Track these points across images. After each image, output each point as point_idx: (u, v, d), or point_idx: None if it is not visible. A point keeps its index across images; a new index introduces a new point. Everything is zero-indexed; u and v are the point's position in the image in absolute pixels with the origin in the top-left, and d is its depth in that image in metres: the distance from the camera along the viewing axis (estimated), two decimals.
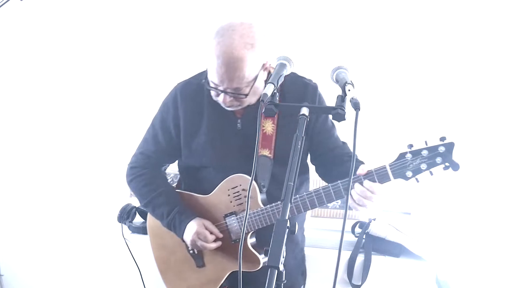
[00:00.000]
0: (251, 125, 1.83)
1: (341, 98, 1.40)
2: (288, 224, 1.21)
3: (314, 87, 1.89)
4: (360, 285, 2.51)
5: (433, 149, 1.59)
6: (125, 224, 2.77)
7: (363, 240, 2.62)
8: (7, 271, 3.44)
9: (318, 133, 1.89)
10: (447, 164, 1.58)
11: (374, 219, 2.70)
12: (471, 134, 2.78)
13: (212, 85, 1.72)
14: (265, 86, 1.79)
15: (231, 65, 1.63)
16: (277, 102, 1.42)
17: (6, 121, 3.33)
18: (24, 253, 3.38)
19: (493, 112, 2.77)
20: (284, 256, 1.18)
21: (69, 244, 3.30)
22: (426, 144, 1.59)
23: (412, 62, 2.87)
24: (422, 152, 1.59)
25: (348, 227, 2.72)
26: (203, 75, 1.87)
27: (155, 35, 3.09)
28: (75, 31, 3.16)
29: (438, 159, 1.58)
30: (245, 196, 1.84)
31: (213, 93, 1.76)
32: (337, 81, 1.46)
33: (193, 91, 1.90)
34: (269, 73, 1.81)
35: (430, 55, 2.85)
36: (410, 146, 1.61)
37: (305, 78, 1.91)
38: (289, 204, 1.25)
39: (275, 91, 1.42)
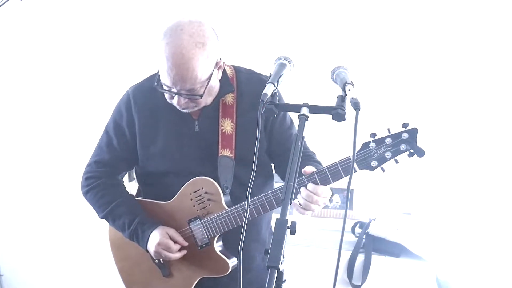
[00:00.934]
0: (209, 127, 1.79)
1: (341, 98, 1.39)
2: (289, 224, 1.21)
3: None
4: (360, 285, 2.51)
5: (396, 136, 1.56)
6: None
7: (363, 240, 2.62)
8: (7, 271, 3.44)
9: (276, 132, 1.83)
10: (411, 151, 1.56)
11: (374, 219, 2.70)
12: (471, 134, 2.78)
13: (165, 87, 1.65)
14: (220, 85, 1.76)
15: (182, 66, 1.58)
16: (277, 102, 1.41)
17: (6, 121, 3.33)
18: (24, 253, 3.38)
19: (493, 114, 2.78)
20: (284, 257, 1.18)
21: (69, 244, 3.30)
22: (389, 132, 1.57)
23: (412, 62, 2.88)
24: (385, 140, 1.57)
25: (348, 227, 2.72)
26: (156, 77, 1.77)
27: (153, 36, 3.09)
28: (75, 31, 3.17)
29: (403, 146, 1.56)
30: (209, 199, 1.78)
31: (167, 95, 1.70)
32: (337, 81, 1.46)
33: (147, 94, 1.81)
34: (224, 71, 1.77)
35: (430, 55, 2.85)
36: (373, 135, 1.58)
37: (261, 74, 1.83)
38: (289, 204, 1.24)
39: (275, 91, 1.41)
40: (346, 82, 1.41)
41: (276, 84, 1.41)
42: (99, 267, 3.23)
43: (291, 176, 1.26)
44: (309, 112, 1.38)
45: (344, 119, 1.37)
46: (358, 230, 2.71)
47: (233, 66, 1.86)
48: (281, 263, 1.15)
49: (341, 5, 2.92)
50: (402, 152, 1.57)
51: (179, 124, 1.80)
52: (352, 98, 1.38)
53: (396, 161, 1.59)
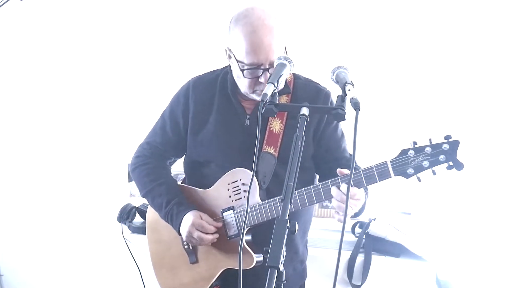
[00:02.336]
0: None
1: (341, 98, 1.39)
2: (288, 224, 1.21)
3: (327, 94, 1.88)
4: (360, 285, 2.51)
5: (436, 147, 1.55)
6: (125, 224, 2.77)
7: (363, 240, 2.62)
8: (7, 271, 3.44)
9: (326, 140, 1.87)
10: (450, 163, 1.55)
11: (374, 219, 2.70)
12: (471, 133, 2.78)
13: (251, 68, 1.69)
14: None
15: (268, 35, 1.65)
16: (277, 102, 1.42)
17: (6, 121, 3.33)
18: (24, 253, 3.38)
19: (493, 111, 2.77)
20: (284, 256, 1.18)
21: (69, 244, 3.30)
22: (430, 142, 1.57)
23: (412, 62, 2.87)
24: (425, 149, 1.56)
25: (348, 227, 2.72)
26: (216, 72, 1.91)
27: (153, 36, 3.10)
28: (75, 31, 3.17)
29: (442, 157, 1.55)
30: (245, 191, 1.82)
31: (247, 84, 1.73)
32: (337, 81, 1.46)
33: (206, 85, 1.91)
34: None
35: (429, 55, 2.85)
36: (414, 143, 1.58)
37: (319, 84, 1.91)
38: (289, 204, 1.24)
39: (275, 91, 1.42)
40: (346, 82, 1.41)
41: (276, 84, 1.42)
42: (99, 267, 3.23)
43: (291, 176, 1.27)
44: (309, 112, 1.38)
45: (344, 119, 1.38)
46: (358, 230, 2.71)
47: (292, 73, 1.91)
48: (281, 263, 1.15)
49: (341, 5, 2.91)
50: (440, 163, 1.56)
51: (231, 116, 1.87)
52: (352, 98, 1.38)
53: (434, 173, 1.58)
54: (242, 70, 1.71)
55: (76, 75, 3.21)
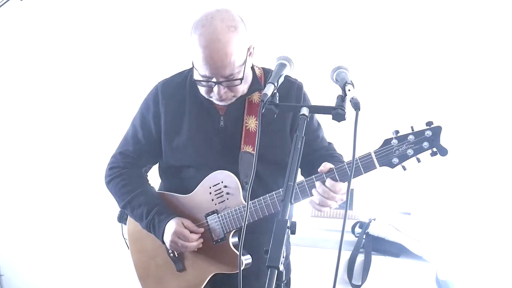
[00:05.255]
0: (234, 123, 1.81)
1: (341, 98, 1.39)
2: (289, 224, 1.21)
3: (300, 86, 1.84)
4: (360, 285, 2.51)
5: (419, 134, 1.54)
6: (125, 224, 2.75)
7: (363, 240, 2.62)
8: (7, 271, 3.44)
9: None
10: (434, 149, 1.54)
11: (374, 219, 2.70)
12: (471, 134, 2.78)
13: (203, 79, 1.66)
14: (252, 73, 1.79)
15: (220, 51, 1.59)
16: (277, 102, 1.42)
17: (7, 121, 3.33)
18: (24, 253, 3.38)
19: (493, 114, 2.77)
20: (285, 256, 1.18)
21: (69, 244, 3.30)
22: (412, 129, 1.55)
23: (412, 61, 2.88)
24: (408, 137, 1.55)
25: (348, 227, 2.72)
26: (184, 73, 1.86)
27: (151, 36, 3.10)
28: (75, 31, 3.17)
29: (425, 144, 1.54)
30: (227, 193, 1.78)
31: (204, 90, 1.70)
32: (337, 81, 1.46)
33: (175, 89, 1.85)
34: (253, 71, 1.80)
35: (429, 55, 2.85)
36: (396, 132, 1.57)
37: (290, 77, 1.84)
38: (289, 204, 1.24)
39: (275, 91, 1.41)
40: (346, 82, 1.41)
41: (276, 84, 1.42)
42: (99, 267, 3.23)
43: (291, 176, 1.27)
44: (309, 112, 1.39)
45: (344, 119, 1.37)
46: (358, 230, 2.71)
47: (261, 67, 1.88)
48: (281, 263, 1.15)
49: (341, 5, 2.92)
50: (424, 150, 1.55)
51: (204, 119, 1.82)
52: (352, 98, 1.38)
53: (418, 160, 1.57)
54: (196, 80, 1.69)
55: (78, 76, 3.22)
